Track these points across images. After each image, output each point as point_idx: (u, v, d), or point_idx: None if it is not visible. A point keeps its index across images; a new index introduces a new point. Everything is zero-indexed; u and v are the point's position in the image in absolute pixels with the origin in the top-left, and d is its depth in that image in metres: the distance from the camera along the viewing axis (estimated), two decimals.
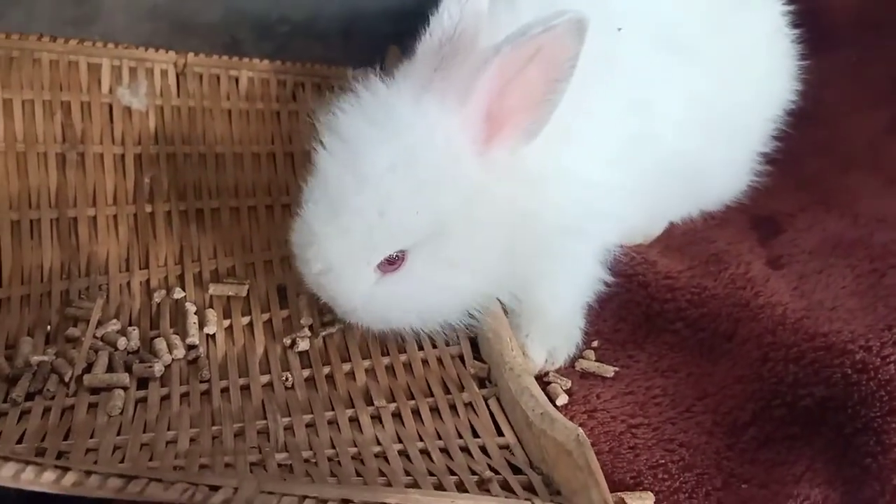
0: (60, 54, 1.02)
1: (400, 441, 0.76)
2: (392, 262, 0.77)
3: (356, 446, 0.75)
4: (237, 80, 1.14)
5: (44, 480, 0.53)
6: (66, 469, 0.54)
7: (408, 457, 0.73)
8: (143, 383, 0.83)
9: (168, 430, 0.76)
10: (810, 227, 1.00)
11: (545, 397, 0.77)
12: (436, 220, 0.74)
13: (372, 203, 0.73)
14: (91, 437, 0.74)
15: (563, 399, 0.82)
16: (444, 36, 0.76)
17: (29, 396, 0.80)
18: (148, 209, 1.01)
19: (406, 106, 0.75)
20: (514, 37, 0.67)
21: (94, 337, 0.86)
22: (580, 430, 0.68)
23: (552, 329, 0.87)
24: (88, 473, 0.54)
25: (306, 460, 0.72)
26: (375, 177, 0.72)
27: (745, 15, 0.92)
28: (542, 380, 0.85)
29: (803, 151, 1.08)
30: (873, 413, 0.70)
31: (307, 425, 0.78)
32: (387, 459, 0.73)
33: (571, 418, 0.80)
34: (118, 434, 0.75)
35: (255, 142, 1.10)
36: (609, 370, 0.86)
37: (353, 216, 0.74)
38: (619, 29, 0.81)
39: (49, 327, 0.89)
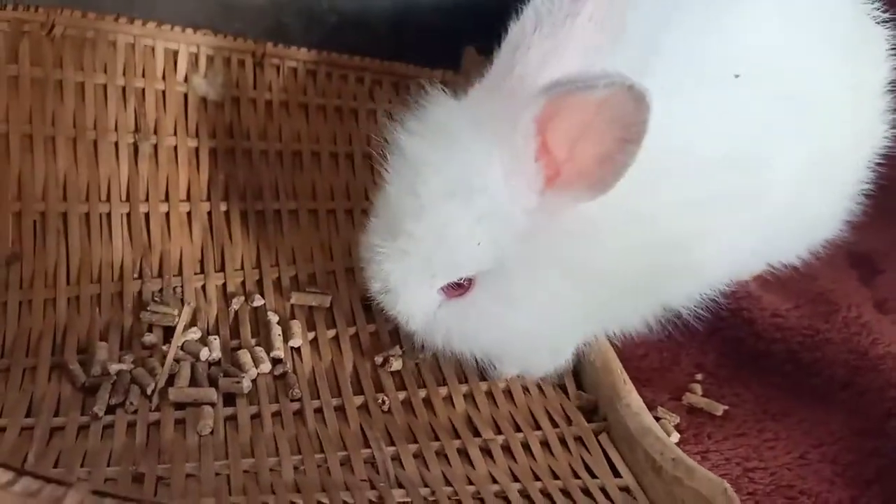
0: (137, 37, 0.96)
1: (516, 479, 0.72)
2: (458, 288, 0.74)
3: (473, 484, 0.70)
4: (314, 74, 1.08)
5: None
6: None
7: (530, 499, 0.69)
8: (228, 399, 0.78)
9: (267, 455, 0.71)
10: None
11: (671, 440, 0.73)
12: (496, 253, 0.70)
13: (430, 230, 0.70)
14: (186, 459, 0.69)
15: (675, 437, 0.78)
16: (510, 59, 0.71)
17: (109, 409, 0.74)
18: (223, 207, 0.95)
19: (467, 132, 0.70)
20: (560, 84, 0.62)
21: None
22: (727, 484, 0.64)
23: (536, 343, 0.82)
24: None
25: (425, 498, 0.67)
26: (434, 203, 0.69)
27: (858, 55, 0.86)
28: (651, 414, 0.81)
29: (888, 181, 1.05)
30: None
31: (414, 455, 0.73)
32: (508, 501, 0.68)
33: None
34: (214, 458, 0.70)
35: (332, 141, 1.05)
36: (719, 408, 0.83)
37: (411, 241, 0.71)
38: (737, 76, 0.76)
39: (122, 331, 0.84)
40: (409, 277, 0.73)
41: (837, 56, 0.84)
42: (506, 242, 0.70)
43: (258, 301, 0.89)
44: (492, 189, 0.68)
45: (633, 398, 0.77)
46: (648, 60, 0.73)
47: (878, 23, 0.89)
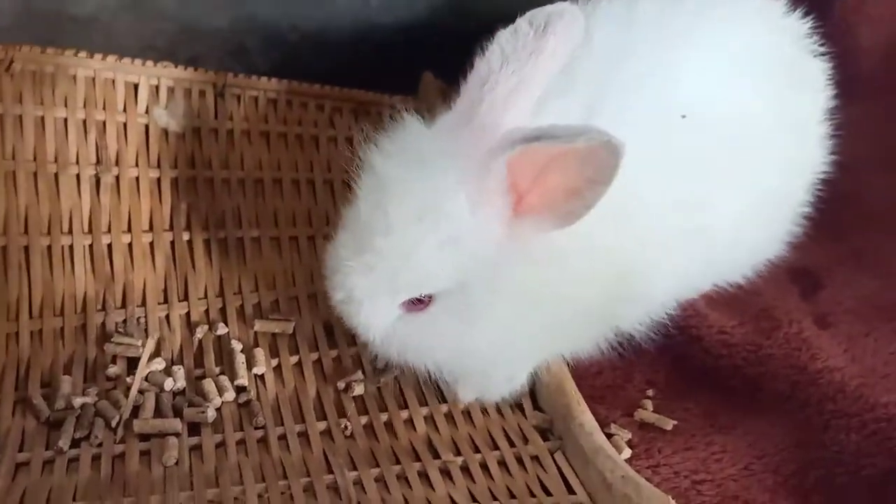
0: (97, 71, 0.97)
1: (474, 500, 0.74)
2: (418, 303, 0.76)
3: None
4: (275, 103, 1.10)
5: None
6: None
7: None
8: (193, 428, 0.80)
9: (231, 484, 0.73)
10: (848, 285, 1.02)
11: (621, 458, 0.76)
12: (458, 276, 0.73)
13: (398, 248, 0.72)
14: (152, 492, 0.71)
15: (626, 453, 0.81)
16: (478, 93, 0.74)
17: (74, 443, 0.75)
18: (185, 237, 0.97)
19: (436, 160, 0.72)
20: (539, 135, 0.64)
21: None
22: (671, 499, 0.67)
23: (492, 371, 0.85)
24: None
25: None
26: (403, 223, 0.71)
27: (798, 87, 0.92)
28: (604, 431, 0.83)
29: (833, 202, 1.09)
30: None
31: (376, 479, 0.75)
32: None
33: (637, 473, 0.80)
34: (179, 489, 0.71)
35: (293, 168, 1.07)
36: (668, 422, 0.86)
37: (379, 257, 0.73)
38: (684, 116, 0.80)
39: (86, 364, 0.85)
40: (372, 291, 0.75)
41: (779, 91, 0.89)
42: (470, 267, 0.72)
43: (222, 329, 0.90)
44: (458, 217, 0.70)
45: (586, 418, 0.80)
46: (599, 104, 0.78)
47: (815, 55, 0.94)
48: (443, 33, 1.32)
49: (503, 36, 0.75)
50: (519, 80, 0.73)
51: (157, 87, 1.02)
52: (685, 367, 0.93)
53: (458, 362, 0.81)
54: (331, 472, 0.75)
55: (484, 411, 0.86)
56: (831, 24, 1.28)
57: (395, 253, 0.72)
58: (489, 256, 0.72)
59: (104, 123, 0.97)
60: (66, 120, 0.95)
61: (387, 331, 0.78)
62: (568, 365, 0.88)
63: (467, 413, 0.86)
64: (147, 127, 1.00)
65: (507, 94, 0.73)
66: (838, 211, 1.15)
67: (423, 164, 0.72)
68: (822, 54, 0.95)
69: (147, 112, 1.00)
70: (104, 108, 0.97)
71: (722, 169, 0.83)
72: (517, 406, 0.88)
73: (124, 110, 0.99)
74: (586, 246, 0.74)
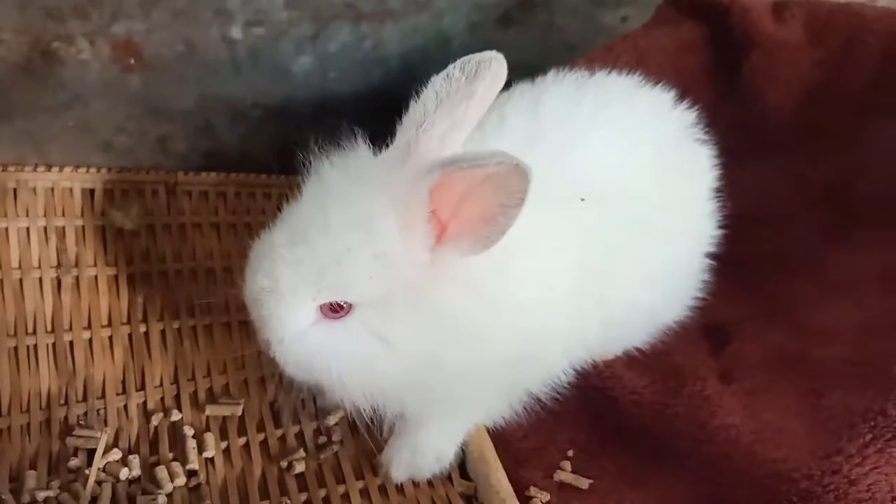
0: (55, 182, 1.06)
1: None
2: (336, 311, 0.79)
3: None
4: (224, 195, 1.19)
5: None
6: None
7: None
8: None
9: None
10: (755, 339, 1.10)
11: None
12: (382, 291, 0.77)
13: (330, 248, 0.76)
14: None
15: None
16: (414, 134, 0.80)
17: None
18: (142, 329, 1.05)
19: (375, 180, 0.78)
20: (455, 160, 0.71)
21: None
22: None
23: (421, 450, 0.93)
24: None
25: None
26: (340, 227, 0.76)
27: (686, 171, 1.01)
28: (524, 493, 0.92)
29: (746, 257, 1.17)
30: None
31: None
32: None
33: None
34: None
35: (244, 255, 1.15)
36: (584, 482, 0.95)
37: (312, 252, 0.77)
38: (582, 199, 0.88)
39: (50, 457, 0.93)
40: (297, 285, 0.77)
41: (670, 174, 0.98)
42: (394, 284, 0.77)
43: (176, 416, 0.99)
44: (387, 237, 0.76)
45: (502, 486, 0.89)
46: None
47: (700, 142, 1.04)
48: (398, 100, 1.42)
49: (437, 81, 0.81)
50: (452, 121, 0.80)
51: (111, 191, 1.11)
52: (603, 427, 1.01)
53: (361, 380, 0.82)
54: None
55: (415, 484, 0.94)
56: (741, 87, 1.39)
57: (328, 251, 0.76)
58: (413, 278, 0.77)
59: (63, 229, 1.06)
60: (28, 229, 1.04)
61: (299, 332, 0.79)
62: (495, 430, 0.97)
63: (399, 486, 0.94)
64: (104, 228, 1.09)
65: (441, 133, 0.80)
66: (755, 264, 1.23)
67: (364, 183, 0.78)
68: (706, 141, 1.04)
69: (104, 214, 1.10)
70: (63, 215, 1.07)
71: (621, 243, 0.92)
72: (446, 475, 0.96)
73: (82, 215, 1.08)
74: (501, 280, 0.80)
